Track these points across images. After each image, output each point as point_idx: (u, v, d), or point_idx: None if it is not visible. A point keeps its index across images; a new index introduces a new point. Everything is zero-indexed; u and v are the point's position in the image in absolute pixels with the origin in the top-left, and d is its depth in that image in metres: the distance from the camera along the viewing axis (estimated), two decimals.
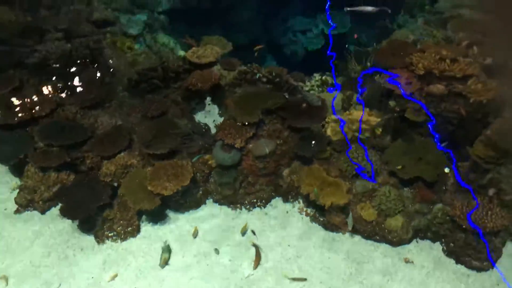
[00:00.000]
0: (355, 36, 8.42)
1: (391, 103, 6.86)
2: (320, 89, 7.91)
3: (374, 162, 6.77)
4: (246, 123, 6.98)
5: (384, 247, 6.58)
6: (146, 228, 6.79)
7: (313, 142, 6.94)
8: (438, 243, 6.62)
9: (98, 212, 6.64)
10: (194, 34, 9.02)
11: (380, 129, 6.85)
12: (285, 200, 7.21)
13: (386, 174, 6.77)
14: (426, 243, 6.65)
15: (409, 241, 6.61)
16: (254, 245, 6.48)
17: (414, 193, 6.64)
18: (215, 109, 7.79)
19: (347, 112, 7.07)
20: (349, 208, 6.67)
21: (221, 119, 7.57)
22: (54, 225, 6.76)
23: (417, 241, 6.66)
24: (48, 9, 9.66)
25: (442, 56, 6.62)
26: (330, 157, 7.01)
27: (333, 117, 7.08)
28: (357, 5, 7.62)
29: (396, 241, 6.54)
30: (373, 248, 6.57)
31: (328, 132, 7.02)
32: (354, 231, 6.71)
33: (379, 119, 6.81)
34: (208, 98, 7.85)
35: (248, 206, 7.10)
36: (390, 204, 6.55)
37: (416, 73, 6.66)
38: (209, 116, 7.69)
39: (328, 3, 7.60)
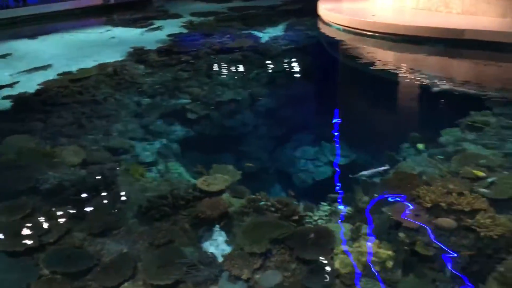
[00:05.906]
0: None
1: (401, 235, 6.79)
2: (329, 218, 7.89)
3: None
4: (253, 253, 6.86)
5: None
6: None
7: (322, 274, 6.74)
8: None
9: None
10: (205, 162, 9.36)
11: (391, 263, 6.68)
12: None
13: None
14: None
15: None
16: None
17: None
18: (223, 237, 7.73)
19: (356, 244, 6.96)
20: None
21: (228, 248, 7.47)
22: None
23: None
24: (68, 137, 10.24)
25: (449, 190, 6.73)
26: None
27: (342, 248, 6.97)
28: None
29: None
30: None
31: (337, 264, 6.85)
32: None
33: (388, 252, 6.68)
34: (217, 226, 7.84)
35: None
36: None
37: (424, 206, 6.71)
38: (216, 245, 7.60)
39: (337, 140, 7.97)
